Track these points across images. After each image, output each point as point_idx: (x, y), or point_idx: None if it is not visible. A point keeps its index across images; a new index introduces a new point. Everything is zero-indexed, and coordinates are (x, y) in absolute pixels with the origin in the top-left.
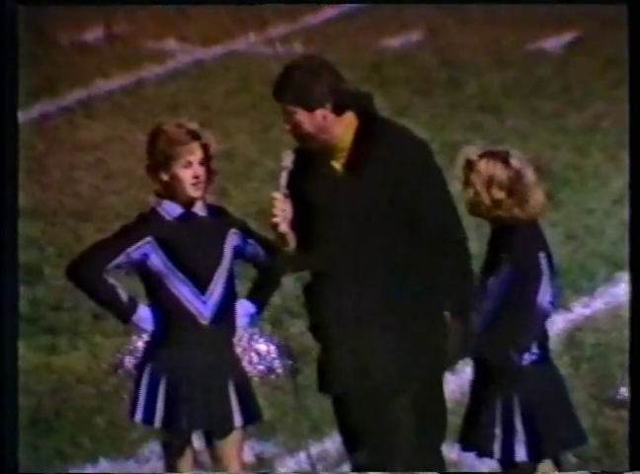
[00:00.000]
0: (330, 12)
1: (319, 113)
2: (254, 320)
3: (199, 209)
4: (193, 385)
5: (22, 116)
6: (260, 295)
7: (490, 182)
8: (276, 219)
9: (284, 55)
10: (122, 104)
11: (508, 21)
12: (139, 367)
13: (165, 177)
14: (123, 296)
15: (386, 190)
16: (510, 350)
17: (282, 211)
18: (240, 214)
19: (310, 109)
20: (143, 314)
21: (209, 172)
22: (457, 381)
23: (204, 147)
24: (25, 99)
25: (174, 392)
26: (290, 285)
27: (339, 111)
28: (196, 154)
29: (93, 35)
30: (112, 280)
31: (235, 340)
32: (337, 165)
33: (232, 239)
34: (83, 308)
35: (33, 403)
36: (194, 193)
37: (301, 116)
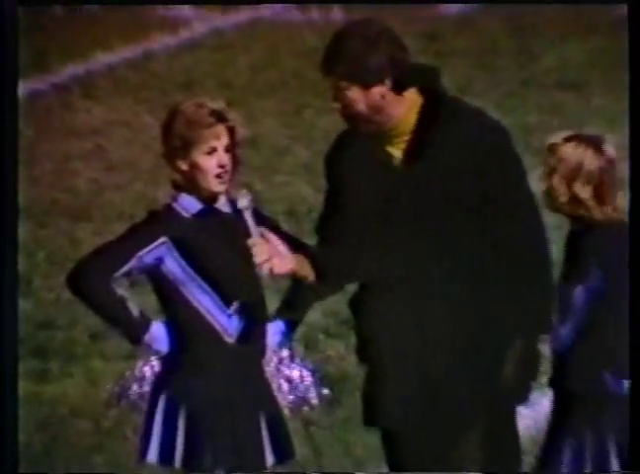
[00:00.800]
0: None
1: (376, 90)
2: (286, 340)
3: (222, 205)
4: (218, 416)
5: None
6: (292, 312)
7: (576, 171)
8: (265, 266)
9: (321, 23)
10: (127, 81)
11: None
12: (152, 397)
13: (184, 165)
14: (134, 311)
15: (455, 184)
16: (603, 372)
17: (266, 253)
18: (266, 213)
19: (366, 85)
20: (157, 332)
21: (235, 161)
22: (532, 415)
23: (230, 131)
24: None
25: (196, 425)
26: (327, 299)
27: (399, 88)
28: (221, 139)
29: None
30: (121, 291)
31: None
32: (395, 152)
33: None
34: (79, 326)
35: (20, 439)
36: (217, 186)
37: (355, 93)
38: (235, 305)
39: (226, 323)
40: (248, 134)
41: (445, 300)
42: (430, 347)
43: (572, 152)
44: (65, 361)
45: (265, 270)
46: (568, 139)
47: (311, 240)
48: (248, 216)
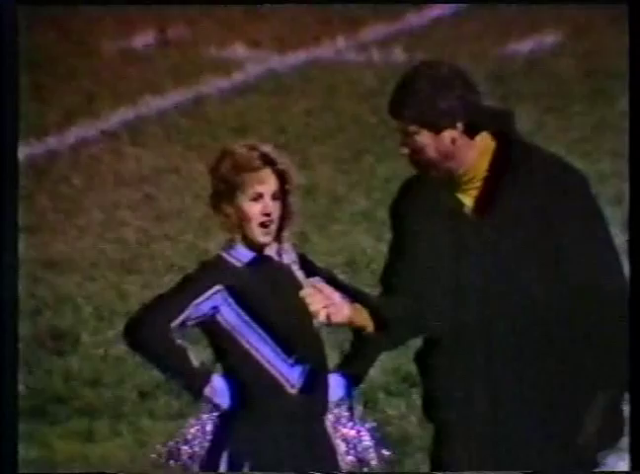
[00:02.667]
0: (439, 9)
1: (447, 134)
2: (348, 395)
3: (273, 253)
4: (283, 473)
5: (54, 142)
6: (354, 367)
7: None
8: (322, 314)
9: (381, 64)
10: (178, 126)
11: None
12: (212, 455)
13: (229, 209)
14: (195, 362)
15: (531, 235)
16: None
17: (321, 302)
18: (323, 265)
19: (437, 129)
20: (218, 385)
21: (286, 209)
22: None
23: (280, 176)
24: (58, 121)
25: None
26: (387, 355)
27: (472, 132)
28: (267, 184)
29: (142, 40)
30: (180, 341)
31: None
32: (465, 199)
33: None
34: (127, 384)
35: None
36: (262, 236)
37: (424, 137)
38: (296, 355)
39: (288, 373)
40: (304, 182)
41: (520, 356)
42: (502, 407)
43: None
44: (113, 421)
45: (321, 318)
46: None
47: (371, 291)
48: (296, 270)
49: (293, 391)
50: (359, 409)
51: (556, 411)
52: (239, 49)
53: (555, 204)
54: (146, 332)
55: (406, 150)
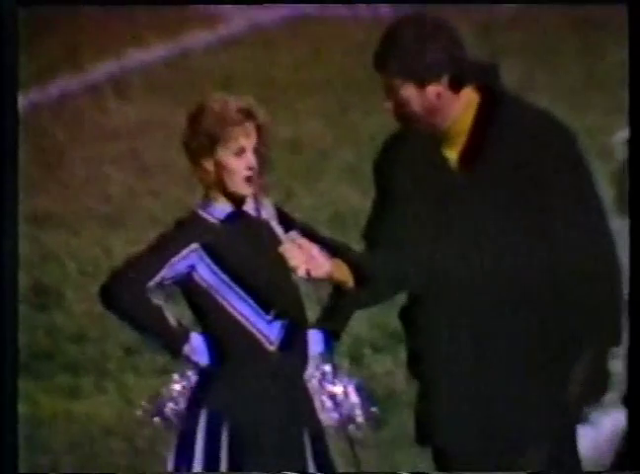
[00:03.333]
0: None
1: (432, 88)
2: (328, 350)
3: (250, 208)
4: (263, 430)
5: (37, 96)
6: (333, 321)
7: None
8: (301, 270)
9: (369, 19)
10: (162, 80)
11: None
12: (191, 413)
13: (209, 165)
14: (172, 321)
15: (516, 189)
16: None
17: (300, 257)
18: (309, 221)
19: (421, 83)
20: (196, 343)
21: (262, 162)
22: (593, 435)
23: (259, 129)
24: (40, 75)
25: (241, 440)
26: (373, 311)
27: (456, 86)
28: (250, 138)
29: None
30: (157, 301)
31: (305, 378)
32: (450, 154)
33: None
34: (112, 340)
35: (50, 460)
36: (245, 188)
37: (409, 91)
38: (274, 311)
39: (266, 329)
40: (289, 136)
41: (504, 312)
42: (487, 362)
43: None
44: (98, 377)
45: (301, 273)
46: None
47: (358, 246)
48: (275, 225)
49: (272, 348)
50: (345, 365)
51: (541, 367)
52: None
53: (541, 158)
54: (122, 292)
55: (390, 104)
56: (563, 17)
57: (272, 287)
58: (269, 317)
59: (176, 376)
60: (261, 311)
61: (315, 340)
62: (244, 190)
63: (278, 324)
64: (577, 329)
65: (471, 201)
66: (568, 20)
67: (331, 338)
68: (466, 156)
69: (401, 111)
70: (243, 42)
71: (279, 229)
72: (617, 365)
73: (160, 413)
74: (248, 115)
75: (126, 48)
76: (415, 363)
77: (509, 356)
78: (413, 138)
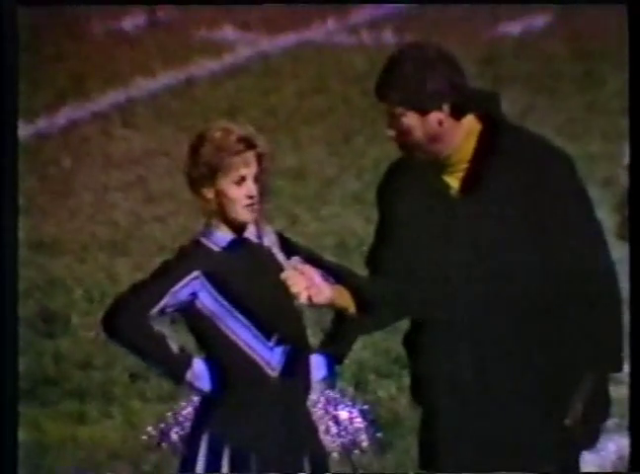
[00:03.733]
0: None
1: (434, 116)
2: (331, 375)
3: (251, 235)
4: (263, 455)
5: (44, 124)
6: (336, 346)
7: None
8: (303, 296)
9: (371, 47)
10: (168, 108)
11: None
12: (193, 437)
13: (209, 194)
14: (174, 347)
15: (517, 217)
16: None
17: (302, 283)
18: (314, 247)
19: (423, 111)
20: (199, 370)
21: (263, 190)
22: (597, 461)
23: (259, 158)
24: (48, 102)
25: (241, 465)
26: (378, 337)
27: (458, 114)
28: (250, 167)
29: (132, 22)
30: (158, 328)
31: (309, 404)
32: (451, 182)
33: None
34: (118, 366)
35: None
36: (246, 216)
37: (411, 119)
38: (276, 337)
39: (268, 356)
40: (294, 163)
41: (507, 337)
42: (490, 387)
43: None
44: (104, 403)
45: (302, 299)
46: None
47: (362, 273)
48: (276, 251)
49: (274, 374)
50: (349, 391)
51: (543, 392)
52: (229, 31)
53: (540, 186)
54: (124, 321)
55: (392, 132)
56: (564, 46)
57: (273, 314)
58: (270, 343)
59: (182, 402)
60: (262, 338)
61: (318, 365)
62: (245, 217)
63: (279, 350)
64: (578, 354)
65: (473, 228)
66: (569, 49)
67: (334, 363)
68: (468, 183)
69: (403, 139)
70: (248, 71)
71: (280, 256)
72: (622, 391)
73: (165, 438)
74: (248, 144)
75: (133, 77)
76: (418, 389)
77: (511, 382)
78: (415, 166)
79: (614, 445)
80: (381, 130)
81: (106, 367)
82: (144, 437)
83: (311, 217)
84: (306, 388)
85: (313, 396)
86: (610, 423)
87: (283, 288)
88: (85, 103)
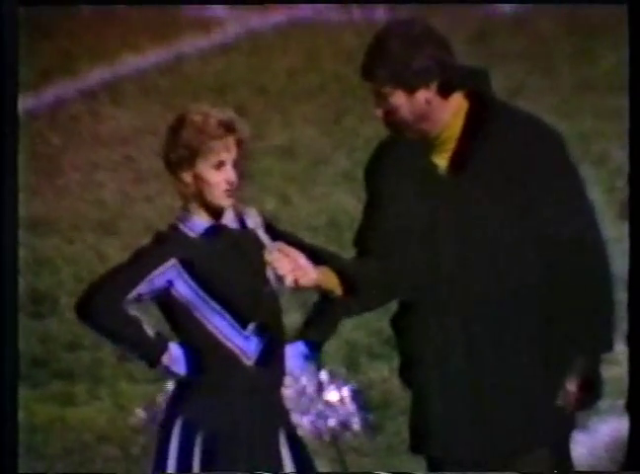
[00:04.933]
0: None
1: (421, 94)
2: (308, 363)
3: (229, 221)
4: (237, 443)
5: (32, 102)
6: (316, 331)
7: None
8: (289, 278)
9: (363, 23)
10: (157, 86)
11: None
12: (168, 420)
13: (188, 177)
14: (150, 332)
15: (505, 196)
16: None
17: (288, 265)
18: (304, 227)
19: (410, 89)
20: (175, 354)
21: (240, 175)
22: (589, 442)
23: (239, 143)
24: (35, 81)
25: (213, 451)
26: (370, 318)
27: (446, 92)
28: (230, 152)
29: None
30: (134, 313)
31: (298, 387)
32: (439, 161)
33: None
34: (106, 347)
35: (43, 467)
36: (224, 201)
37: (398, 98)
38: (252, 326)
39: (244, 345)
40: (284, 142)
41: (497, 318)
42: (480, 368)
43: None
44: (92, 384)
45: (288, 282)
46: None
47: (353, 252)
48: (261, 234)
49: (249, 363)
50: (341, 372)
51: (535, 373)
52: (218, 8)
53: (529, 163)
54: (98, 308)
55: (380, 112)
56: (557, 24)
57: (250, 302)
58: (247, 332)
59: (171, 384)
60: (238, 326)
61: (294, 353)
62: (223, 202)
63: (255, 339)
64: (569, 334)
65: (461, 207)
66: (562, 26)
67: (313, 349)
68: (456, 162)
69: (391, 118)
70: (237, 48)
71: (265, 238)
72: (618, 372)
73: (154, 420)
74: (229, 128)
75: (121, 54)
76: (407, 371)
77: (501, 363)
78: (402, 145)
79: (607, 427)
80: (373, 109)
81: (94, 348)
82: (132, 419)
83: (302, 197)
84: (281, 376)
85: (292, 382)
86: (604, 404)
87: (260, 276)
88: (73, 81)
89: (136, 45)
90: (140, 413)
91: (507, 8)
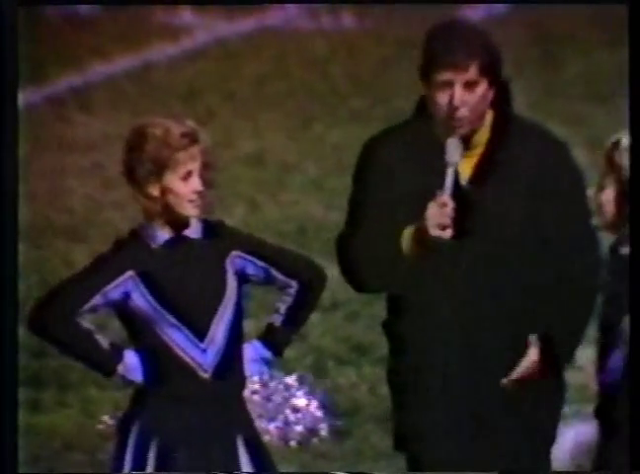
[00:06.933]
0: None
1: (480, 89)
2: (267, 368)
3: (192, 231)
4: (192, 449)
5: None
6: (277, 334)
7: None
8: (446, 230)
9: (331, 31)
10: (126, 93)
11: None
12: (124, 427)
13: (155, 191)
14: (104, 343)
15: (519, 204)
16: None
17: (450, 218)
18: (273, 234)
19: (472, 83)
20: (131, 362)
21: (206, 184)
22: (555, 448)
23: (202, 152)
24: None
25: (167, 460)
26: (338, 324)
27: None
28: (196, 162)
29: (88, 5)
30: (86, 325)
31: (265, 393)
32: (462, 168)
33: (235, 264)
34: None
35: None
36: (192, 210)
37: (459, 91)
38: (209, 338)
39: (200, 358)
40: (253, 149)
41: (495, 320)
42: (471, 372)
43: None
44: (59, 391)
45: (440, 230)
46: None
47: (321, 260)
48: (450, 173)
49: (206, 376)
50: (309, 378)
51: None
52: (187, 15)
53: (542, 177)
54: (50, 320)
55: (438, 105)
56: (525, 32)
57: (206, 314)
58: (203, 345)
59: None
60: (195, 339)
61: (252, 357)
62: (191, 212)
63: (212, 351)
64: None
65: (479, 218)
66: (529, 34)
67: (274, 352)
68: (480, 172)
69: (451, 113)
70: (206, 56)
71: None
72: (583, 378)
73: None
74: (192, 138)
75: (89, 61)
76: (394, 374)
77: (488, 370)
78: (408, 145)
79: (573, 432)
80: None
81: (61, 355)
82: (101, 426)
83: (271, 203)
84: (240, 385)
85: (259, 388)
86: (570, 410)
87: (217, 288)
88: (41, 87)
89: (105, 52)
90: (108, 419)
91: (475, 16)
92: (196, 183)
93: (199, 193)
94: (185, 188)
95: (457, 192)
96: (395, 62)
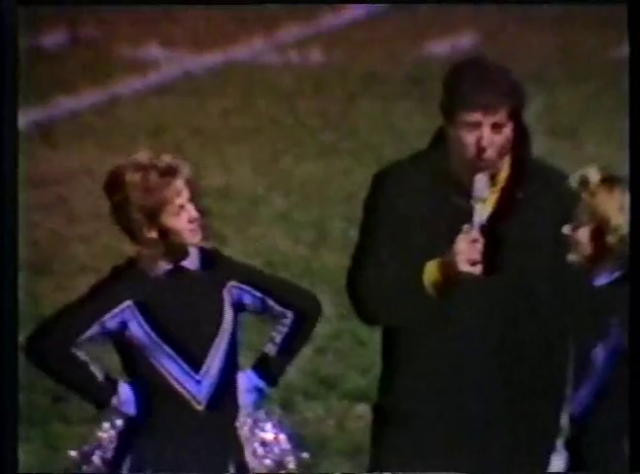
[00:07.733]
0: (357, 11)
1: (506, 131)
2: (261, 398)
3: (189, 262)
4: None
5: None
6: (271, 364)
7: (609, 218)
8: (477, 265)
9: (299, 65)
10: (91, 127)
11: (585, 21)
12: (116, 460)
13: (152, 234)
14: (99, 375)
15: (543, 240)
16: (624, 439)
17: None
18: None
19: (500, 125)
20: (125, 394)
21: (199, 209)
22: None
23: (186, 182)
24: None
25: None
26: (305, 359)
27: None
28: (183, 194)
29: (53, 38)
30: (83, 357)
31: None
32: (481, 209)
33: (232, 294)
34: (39, 389)
35: None
36: (192, 237)
37: (488, 133)
38: (204, 369)
39: (195, 390)
40: (220, 183)
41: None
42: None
43: (609, 196)
44: (24, 426)
45: (470, 265)
46: (604, 180)
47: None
48: (478, 209)
49: (200, 408)
50: (276, 412)
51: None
52: (154, 49)
53: (563, 214)
54: (46, 349)
55: (471, 148)
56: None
57: (202, 345)
58: (198, 377)
59: (106, 425)
60: (190, 371)
61: (247, 388)
62: (192, 240)
63: (207, 383)
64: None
65: (508, 251)
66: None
67: (269, 382)
68: (499, 212)
69: (479, 153)
70: (173, 90)
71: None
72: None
73: (87, 461)
74: (172, 174)
75: (54, 95)
76: (381, 410)
77: (489, 377)
78: (423, 182)
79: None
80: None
81: (27, 389)
82: (66, 462)
83: (238, 237)
84: (234, 415)
85: (241, 419)
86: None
87: (213, 319)
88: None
89: (70, 86)
90: (72, 454)
91: (441, 50)
92: (190, 212)
93: (194, 220)
94: (181, 221)
95: (482, 228)
96: (362, 97)
